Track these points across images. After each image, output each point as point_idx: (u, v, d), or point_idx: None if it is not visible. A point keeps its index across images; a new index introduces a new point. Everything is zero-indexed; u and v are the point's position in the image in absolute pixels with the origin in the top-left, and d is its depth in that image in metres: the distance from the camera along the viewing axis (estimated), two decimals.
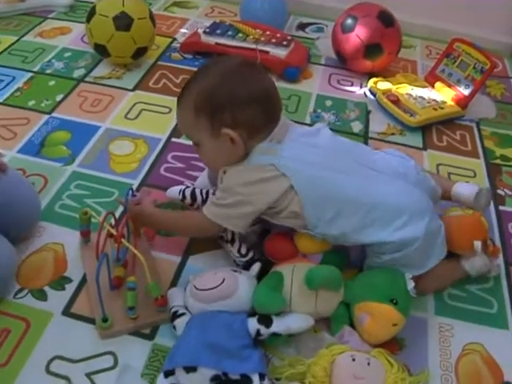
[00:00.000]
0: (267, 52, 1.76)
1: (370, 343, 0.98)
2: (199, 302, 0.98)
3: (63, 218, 1.21)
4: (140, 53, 1.70)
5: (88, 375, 0.93)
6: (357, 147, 1.14)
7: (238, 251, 1.10)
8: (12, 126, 1.47)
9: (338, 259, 1.08)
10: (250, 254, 1.10)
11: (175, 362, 0.91)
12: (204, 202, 1.17)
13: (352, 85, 1.81)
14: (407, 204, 1.01)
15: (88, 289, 1.06)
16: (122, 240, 1.02)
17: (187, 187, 1.21)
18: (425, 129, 1.63)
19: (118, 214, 1.20)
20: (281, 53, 1.75)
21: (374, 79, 1.77)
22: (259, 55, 1.74)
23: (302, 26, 2.16)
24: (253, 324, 0.95)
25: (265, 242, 1.11)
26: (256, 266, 1.05)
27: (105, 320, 0.98)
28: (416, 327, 1.05)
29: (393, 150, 1.19)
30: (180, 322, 0.98)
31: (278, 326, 0.95)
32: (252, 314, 0.97)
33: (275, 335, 0.95)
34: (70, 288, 1.07)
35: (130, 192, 1.14)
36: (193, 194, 1.19)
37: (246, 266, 1.08)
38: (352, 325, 1.01)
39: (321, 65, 1.91)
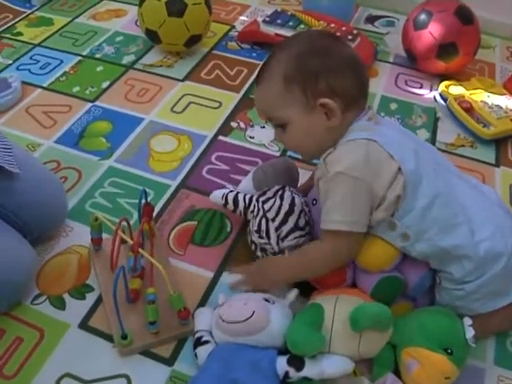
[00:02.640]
0: None
1: None
2: (224, 333, 0.88)
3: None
4: (193, 41, 1.60)
5: None
6: (439, 153, 1.03)
7: None
8: (53, 113, 1.41)
9: (394, 286, 0.94)
10: None
11: None
12: (246, 208, 1.06)
13: (421, 87, 1.64)
14: (493, 216, 0.92)
15: (103, 302, 0.98)
16: (140, 249, 0.93)
17: (231, 191, 1.10)
18: (499, 142, 1.45)
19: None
20: None
21: (445, 82, 1.60)
22: None
23: (371, 19, 1.99)
24: (282, 364, 0.84)
25: None
26: (292, 294, 0.93)
27: (124, 337, 0.90)
28: (471, 378, 0.91)
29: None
30: (203, 351, 0.89)
31: (311, 369, 0.83)
32: (284, 350, 0.86)
33: (306, 379, 0.83)
34: (91, 298, 1.00)
35: (144, 195, 1.04)
36: (235, 198, 1.08)
37: None
38: (396, 369, 0.89)
39: (388, 63, 1.74)
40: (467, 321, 0.88)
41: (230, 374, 0.82)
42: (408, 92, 1.62)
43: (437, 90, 1.62)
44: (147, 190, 1.18)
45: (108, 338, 0.93)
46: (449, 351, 0.85)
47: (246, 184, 1.14)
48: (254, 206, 1.04)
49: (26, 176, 1.00)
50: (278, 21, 1.69)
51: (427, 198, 0.87)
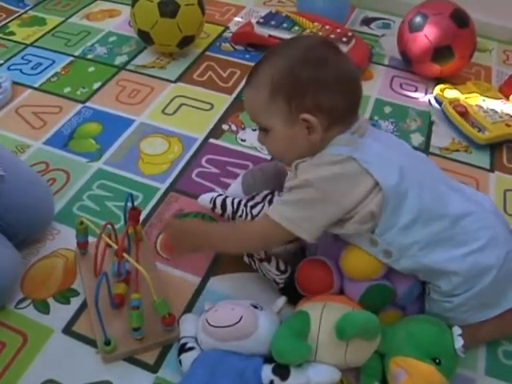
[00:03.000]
0: None
1: None
2: (211, 338, 0.86)
3: None
4: (186, 42, 1.59)
5: None
6: (431, 162, 1.00)
7: (277, 268, 0.97)
8: (43, 114, 1.40)
9: (383, 295, 0.93)
10: (289, 269, 0.98)
11: None
12: (234, 213, 1.05)
13: (416, 90, 1.63)
14: (486, 227, 0.88)
15: (88, 307, 0.96)
16: (124, 254, 0.91)
17: (220, 195, 1.09)
18: (494, 147, 1.43)
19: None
20: None
21: (440, 86, 1.58)
22: None
23: (366, 21, 1.97)
24: (267, 373, 0.82)
25: (298, 269, 0.97)
26: (280, 301, 0.92)
27: (107, 343, 0.88)
28: None
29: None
30: (187, 358, 0.87)
31: (296, 378, 0.81)
32: (269, 358, 0.84)
33: None
34: (76, 302, 0.98)
35: (130, 198, 1.01)
36: (223, 203, 1.07)
37: (288, 283, 0.97)
38: (384, 379, 0.87)
39: (383, 65, 1.73)
40: (456, 330, 0.87)
41: (214, 382, 0.81)
42: (403, 95, 1.60)
43: (432, 93, 1.60)
44: (136, 193, 1.18)
45: (92, 343, 0.92)
46: (437, 361, 0.84)
47: (235, 188, 1.12)
48: (243, 211, 1.03)
49: (11, 178, 0.99)
50: (272, 22, 1.67)
51: (410, 214, 0.85)
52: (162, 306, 0.89)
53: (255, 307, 0.89)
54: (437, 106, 1.56)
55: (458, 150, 1.42)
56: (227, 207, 1.05)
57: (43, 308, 0.96)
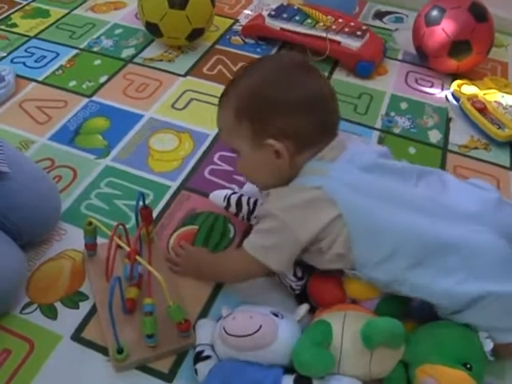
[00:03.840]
0: (338, 42, 1.55)
1: None
2: (228, 347, 0.81)
3: None
4: (196, 34, 1.53)
5: None
6: (426, 176, 0.91)
7: (294, 274, 0.92)
8: (48, 109, 1.34)
9: (396, 307, 0.89)
10: (306, 277, 0.93)
11: None
12: (250, 213, 1.00)
13: (432, 86, 1.58)
14: (480, 250, 0.81)
15: (98, 312, 0.91)
16: (137, 257, 0.86)
17: (234, 193, 1.04)
18: None
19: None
20: (354, 44, 1.54)
21: (458, 81, 1.53)
22: (329, 45, 1.53)
23: (379, 15, 1.92)
24: None
25: (308, 283, 0.93)
26: (303, 309, 0.87)
27: (120, 351, 0.84)
28: None
29: (474, 180, 0.98)
30: (203, 367, 0.82)
31: None
32: (289, 369, 0.79)
33: None
34: (85, 307, 0.93)
35: (141, 198, 0.96)
36: (239, 201, 1.02)
37: (303, 290, 0.93)
38: None
39: (397, 60, 1.68)
40: (483, 333, 0.82)
41: None
42: (419, 91, 1.55)
43: (448, 89, 1.56)
44: (146, 191, 1.13)
45: (103, 350, 0.87)
46: (468, 366, 0.79)
47: (251, 187, 1.07)
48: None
49: (15, 175, 0.94)
50: (284, 15, 1.61)
51: (387, 248, 0.80)
52: (176, 311, 0.84)
53: (275, 315, 0.84)
54: (454, 102, 1.51)
55: (476, 148, 1.37)
56: (243, 207, 1.01)
57: (50, 313, 0.92)
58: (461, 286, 0.79)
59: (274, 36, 1.62)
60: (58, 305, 0.93)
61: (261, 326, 0.80)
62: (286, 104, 0.81)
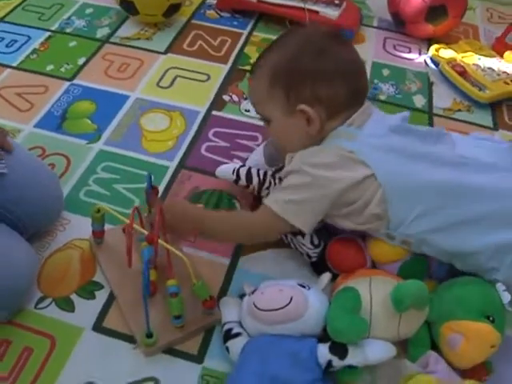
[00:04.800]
0: (317, 12, 1.54)
1: (460, 367, 0.82)
2: (259, 322, 0.81)
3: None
4: (173, 10, 1.49)
5: None
6: (441, 136, 0.93)
7: (311, 242, 0.93)
8: (28, 95, 1.28)
9: (418, 269, 0.91)
10: (322, 243, 0.94)
11: None
12: (261, 184, 0.99)
13: (410, 51, 1.59)
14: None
15: (117, 300, 0.89)
16: (160, 240, 0.84)
17: (242, 165, 1.02)
18: (494, 105, 1.42)
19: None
20: (332, 13, 1.53)
21: (435, 46, 1.56)
22: (307, 15, 1.52)
23: None
24: (324, 353, 0.77)
25: (327, 249, 0.94)
26: (325, 278, 0.87)
27: (150, 335, 0.82)
28: (506, 348, 0.86)
29: (477, 134, 1.03)
30: (235, 344, 0.82)
31: (355, 356, 0.77)
32: (322, 338, 0.80)
33: (349, 367, 0.78)
34: (101, 296, 0.90)
35: (149, 180, 0.93)
36: (248, 173, 1.00)
37: (320, 258, 0.94)
38: (433, 348, 0.84)
39: (373, 27, 1.68)
40: (501, 286, 0.84)
41: (270, 369, 0.76)
42: (398, 57, 1.57)
43: (426, 53, 1.58)
44: (144, 173, 1.10)
45: (127, 338, 0.85)
46: (491, 319, 0.82)
47: (256, 159, 1.07)
48: (270, 183, 0.98)
49: (14, 166, 0.89)
50: None
51: (421, 204, 0.82)
52: (202, 288, 0.83)
53: (302, 286, 0.84)
54: (433, 66, 1.54)
55: (460, 110, 1.40)
56: (253, 178, 0.99)
57: (67, 306, 0.88)
58: (492, 238, 0.82)
59: (251, 8, 1.59)
60: (74, 296, 0.90)
61: (292, 298, 0.80)
62: (319, 72, 0.83)
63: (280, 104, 0.86)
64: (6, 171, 0.86)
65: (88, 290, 0.91)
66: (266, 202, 0.87)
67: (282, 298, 0.80)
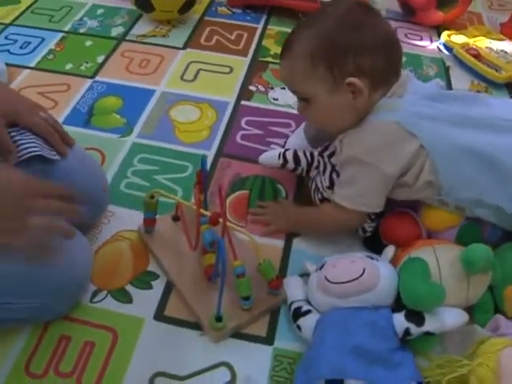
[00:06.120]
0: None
1: None
2: (332, 296, 0.79)
3: (132, 199, 1.00)
4: (188, 6, 1.48)
5: None
6: (476, 98, 0.95)
7: (368, 216, 0.91)
8: (50, 94, 1.24)
9: (474, 234, 0.89)
10: (377, 219, 0.93)
11: (315, 375, 0.72)
12: (309, 165, 0.97)
13: (421, 39, 1.60)
14: None
15: (176, 287, 0.86)
16: (228, 223, 0.81)
17: (286, 150, 1.00)
18: (509, 86, 1.43)
19: None
20: None
21: (447, 32, 1.57)
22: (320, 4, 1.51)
23: None
24: (400, 322, 0.76)
25: (382, 223, 0.93)
26: (390, 251, 0.85)
27: (219, 319, 0.79)
28: None
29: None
30: (306, 322, 0.80)
31: (432, 323, 0.75)
32: (396, 309, 0.78)
33: (427, 334, 0.76)
34: (158, 286, 0.87)
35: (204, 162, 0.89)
36: (295, 155, 0.98)
37: (373, 233, 0.94)
38: (495, 312, 0.84)
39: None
40: None
41: (350, 340, 0.73)
42: (411, 44, 1.58)
43: (437, 40, 1.59)
44: (184, 162, 1.09)
45: (191, 325, 0.82)
46: None
47: (296, 142, 1.05)
48: (319, 162, 0.96)
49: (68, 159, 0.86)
50: None
51: (470, 166, 0.83)
52: (268, 268, 0.81)
53: (371, 258, 0.82)
54: (446, 52, 1.54)
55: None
56: (301, 160, 0.97)
57: (123, 297, 0.85)
58: None
59: (263, 3, 1.59)
60: (130, 288, 0.86)
61: (364, 269, 0.78)
62: (359, 44, 0.82)
63: (324, 81, 0.84)
64: (58, 158, 0.83)
65: (144, 281, 0.88)
66: (338, 200, 0.88)
67: (355, 270, 0.79)
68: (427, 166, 0.83)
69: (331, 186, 0.92)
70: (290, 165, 0.98)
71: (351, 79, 0.82)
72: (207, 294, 0.83)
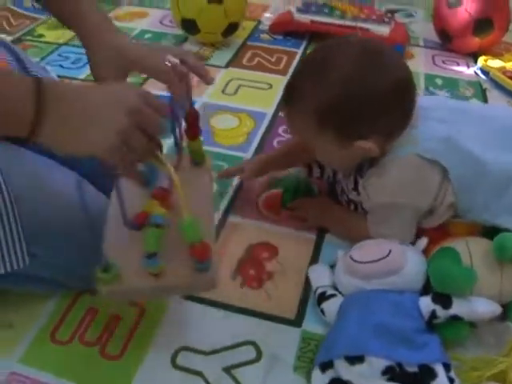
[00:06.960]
0: (368, 30, 1.59)
1: None
2: (357, 277, 0.79)
3: None
4: (231, 29, 1.56)
5: (226, 370, 0.75)
6: (488, 109, 0.98)
7: None
8: None
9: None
10: None
11: (335, 353, 0.72)
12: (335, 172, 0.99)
13: (458, 65, 1.63)
14: None
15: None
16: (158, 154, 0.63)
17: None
18: None
19: None
20: (383, 30, 1.59)
21: (483, 57, 1.59)
22: (360, 33, 1.57)
23: (390, 11, 1.98)
24: (426, 303, 0.75)
25: None
26: (423, 242, 0.84)
27: (106, 269, 0.62)
28: None
29: None
30: (330, 305, 0.80)
31: (460, 306, 0.74)
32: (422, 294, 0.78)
33: (454, 319, 0.74)
34: None
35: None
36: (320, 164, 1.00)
37: None
38: None
39: (419, 46, 1.73)
40: None
41: (372, 318, 0.73)
42: (448, 69, 1.60)
43: (474, 66, 1.61)
44: (221, 163, 1.11)
45: (217, 305, 0.83)
46: None
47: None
48: None
49: None
50: (313, 8, 1.66)
51: (488, 188, 0.82)
52: (191, 228, 0.60)
53: (400, 243, 0.82)
54: (483, 76, 1.56)
55: None
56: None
57: None
58: None
59: (304, 29, 1.66)
60: None
61: (390, 251, 0.79)
62: (374, 101, 0.75)
63: (331, 142, 0.79)
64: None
65: None
66: (370, 231, 0.87)
67: (381, 250, 0.79)
68: (449, 188, 0.82)
69: (356, 188, 0.92)
70: (316, 172, 1.01)
71: (360, 143, 0.77)
72: (128, 244, 0.66)
